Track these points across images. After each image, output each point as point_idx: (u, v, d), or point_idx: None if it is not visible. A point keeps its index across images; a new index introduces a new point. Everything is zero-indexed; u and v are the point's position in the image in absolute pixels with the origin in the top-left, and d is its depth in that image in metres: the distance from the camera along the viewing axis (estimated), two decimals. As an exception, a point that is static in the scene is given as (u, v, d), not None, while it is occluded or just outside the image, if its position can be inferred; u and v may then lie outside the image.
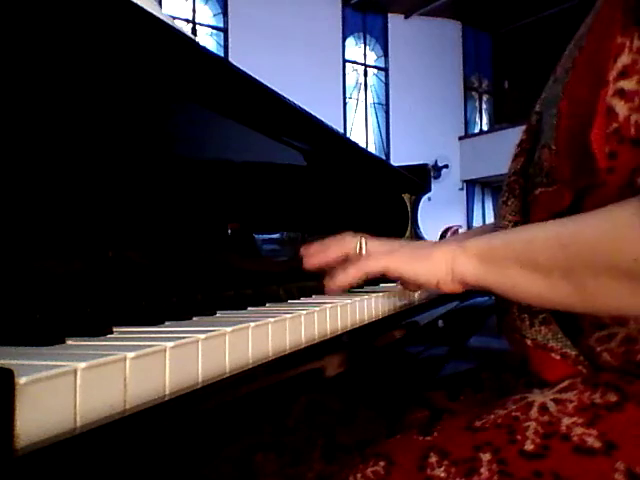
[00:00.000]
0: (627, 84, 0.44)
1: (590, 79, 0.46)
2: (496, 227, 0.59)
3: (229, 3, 7.07)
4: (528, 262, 0.47)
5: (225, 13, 7.07)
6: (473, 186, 9.46)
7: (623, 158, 0.44)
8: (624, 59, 0.44)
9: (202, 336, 0.35)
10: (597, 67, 0.46)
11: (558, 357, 0.49)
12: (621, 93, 0.44)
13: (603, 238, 0.42)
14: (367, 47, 8.66)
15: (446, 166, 8.69)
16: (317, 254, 0.70)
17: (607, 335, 0.46)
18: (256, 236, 0.84)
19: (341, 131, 6.85)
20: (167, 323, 0.43)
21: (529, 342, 0.51)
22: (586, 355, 0.48)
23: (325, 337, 0.52)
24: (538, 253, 0.47)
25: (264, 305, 0.59)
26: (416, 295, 0.82)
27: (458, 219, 8.37)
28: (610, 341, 0.46)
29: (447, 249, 0.55)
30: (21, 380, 0.22)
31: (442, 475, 0.42)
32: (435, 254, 0.56)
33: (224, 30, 7.07)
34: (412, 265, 0.58)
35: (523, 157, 0.57)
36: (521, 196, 0.56)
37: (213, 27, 7.07)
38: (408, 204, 1.56)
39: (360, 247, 0.66)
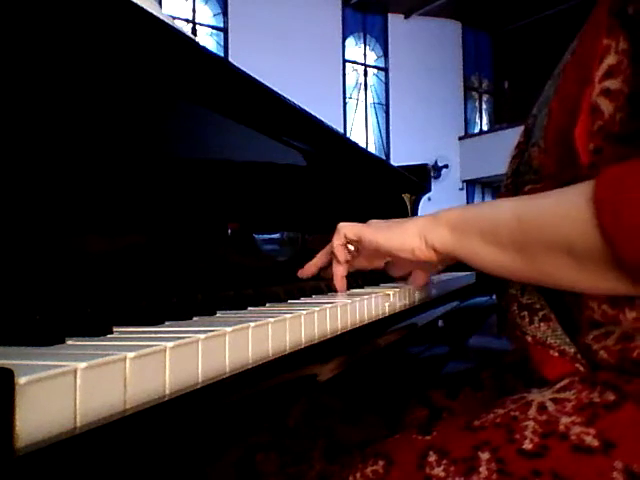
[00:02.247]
0: (613, 84, 0.45)
1: (578, 79, 0.48)
2: None
3: (229, 3, 7.07)
4: (489, 234, 0.50)
5: (225, 13, 7.08)
6: (473, 186, 9.46)
7: (607, 154, 0.45)
8: (610, 60, 0.45)
9: (202, 336, 0.35)
10: (584, 67, 0.47)
11: (556, 354, 0.49)
12: (607, 92, 0.45)
13: (551, 214, 0.45)
14: (367, 47, 8.67)
15: (446, 166, 8.69)
16: (308, 265, 0.75)
17: (604, 333, 0.47)
18: (256, 236, 0.84)
19: (341, 131, 6.85)
20: (167, 323, 0.43)
21: (529, 339, 0.52)
22: (584, 353, 0.49)
23: (325, 337, 0.52)
24: (498, 226, 0.49)
25: (264, 305, 0.59)
26: (416, 295, 0.82)
27: (458, 219, 8.34)
28: (606, 339, 0.46)
29: (422, 219, 0.59)
30: (21, 380, 0.22)
31: (441, 474, 0.42)
32: (409, 224, 0.60)
33: (224, 30, 7.08)
34: (387, 234, 0.61)
35: (519, 159, 0.59)
36: (514, 194, 0.57)
37: (213, 27, 7.08)
38: (408, 204, 1.56)
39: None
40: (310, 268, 0.75)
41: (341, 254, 0.70)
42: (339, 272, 0.72)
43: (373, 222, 0.67)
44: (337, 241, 0.69)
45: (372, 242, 0.63)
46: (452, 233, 0.54)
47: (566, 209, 0.43)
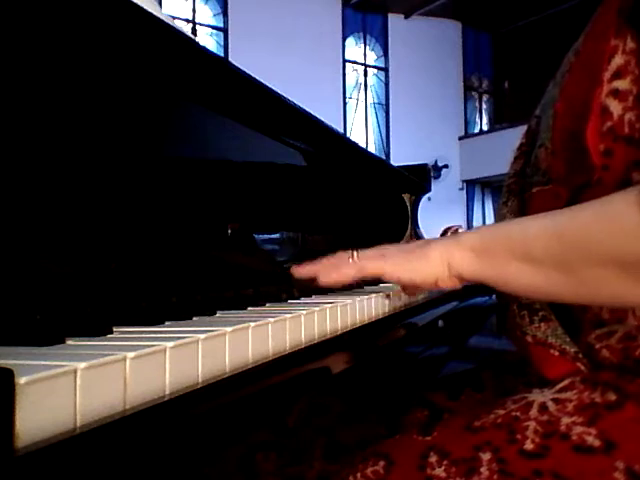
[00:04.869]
0: (621, 84, 0.45)
1: (585, 80, 0.47)
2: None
3: (229, 3, 7.07)
4: (522, 253, 0.47)
5: (225, 13, 7.07)
6: (473, 186, 9.46)
7: (618, 155, 0.45)
8: (618, 60, 0.45)
9: (202, 336, 0.35)
10: (592, 68, 0.47)
11: (557, 354, 0.49)
12: (615, 93, 0.45)
13: (598, 228, 0.42)
14: (367, 47, 8.66)
15: (446, 166, 8.68)
16: (307, 266, 0.70)
17: (607, 332, 0.47)
18: (256, 236, 0.84)
19: (341, 131, 6.85)
20: (167, 323, 0.43)
21: (529, 338, 0.52)
22: (585, 352, 0.48)
23: (325, 337, 0.52)
24: (531, 244, 0.47)
25: (264, 305, 0.59)
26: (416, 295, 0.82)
27: (458, 219, 8.37)
28: (609, 338, 0.46)
29: (442, 245, 0.55)
30: (21, 380, 0.22)
31: (442, 475, 0.42)
32: (430, 252, 0.56)
33: (224, 30, 7.07)
34: (408, 267, 0.58)
35: (522, 160, 0.58)
36: (520, 196, 0.57)
37: (213, 27, 7.07)
38: (408, 204, 1.56)
39: (352, 255, 0.65)
40: (307, 272, 0.72)
41: (344, 280, 0.64)
42: (337, 280, 0.65)
43: (389, 251, 0.62)
44: (352, 273, 0.62)
45: (393, 278, 0.59)
46: (478, 256, 0.51)
47: (613, 220, 0.41)
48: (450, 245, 0.54)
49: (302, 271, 0.70)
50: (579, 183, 0.47)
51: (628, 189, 0.40)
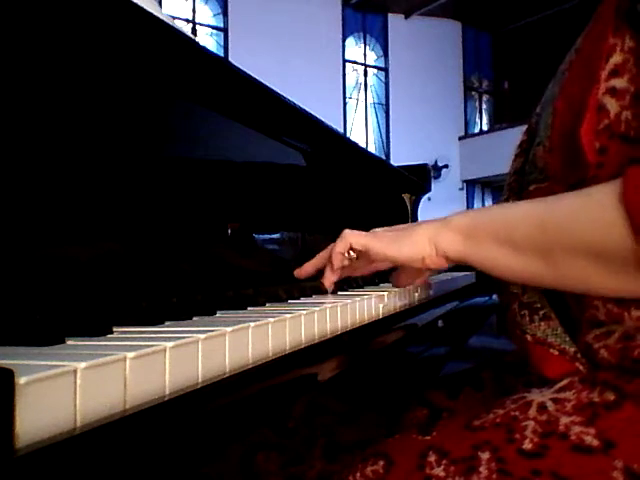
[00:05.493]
0: (618, 82, 0.45)
1: (584, 78, 0.47)
2: None
3: (229, 3, 7.07)
4: (504, 238, 0.49)
5: (225, 13, 7.08)
6: (473, 186, 9.46)
7: (613, 153, 0.45)
8: (616, 58, 0.45)
9: (202, 336, 0.35)
10: (591, 66, 0.47)
11: (556, 353, 0.49)
12: (612, 91, 0.45)
13: (577, 217, 0.44)
14: (367, 47, 8.67)
15: (446, 166, 8.69)
16: (306, 265, 0.73)
17: (605, 332, 0.47)
18: (256, 236, 0.84)
19: (341, 131, 6.85)
20: (167, 323, 0.43)
21: (529, 337, 0.52)
22: (584, 352, 0.49)
23: (325, 337, 0.52)
24: (515, 230, 0.48)
25: (264, 305, 0.59)
26: (416, 295, 0.82)
27: (458, 219, 8.34)
28: (608, 338, 0.46)
29: (430, 225, 0.57)
30: (21, 380, 0.22)
31: (441, 474, 0.42)
32: (418, 231, 0.57)
33: (224, 30, 7.08)
34: (395, 245, 0.59)
35: (523, 157, 0.58)
36: (519, 194, 0.57)
37: (213, 27, 7.08)
38: (408, 204, 1.56)
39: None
40: (307, 268, 0.73)
41: (338, 261, 0.67)
42: (331, 278, 0.70)
43: (378, 231, 0.64)
44: (339, 248, 0.66)
45: (380, 254, 0.61)
46: (465, 239, 0.53)
47: (593, 211, 0.42)
48: (438, 226, 0.56)
49: (303, 271, 0.72)
50: (574, 181, 0.47)
51: (613, 182, 0.41)
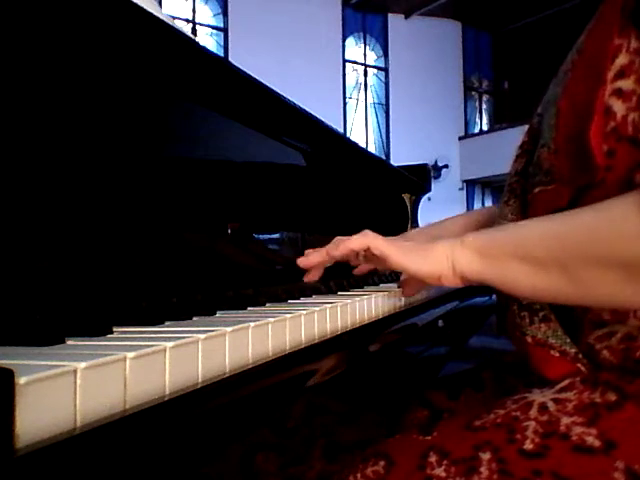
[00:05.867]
0: (625, 84, 0.45)
1: (589, 79, 0.47)
2: (496, 223, 0.60)
3: (229, 3, 7.07)
4: (525, 255, 0.48)
5: (225, 13, 7.07)
6: (473, 186, 9.46)
7: (621, 156, 0.44)
8: (622, 59, 0.45)
9: (202, 336, 0.35)
10: (595, 67, 0.47)
11: (557, 354, 0.49)
12: (619, 93, 0.45)
13: (599, 230, 0.43)
14: (367, 47, 8.66)
15: (446, 166, 8.69)
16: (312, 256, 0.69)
17: (607, 333, 0.46)
18: (256, 236, 0.84)
19: (341, 131, 6.85)
20: (167, 323, 0.43)
21: (529, 339, 0.51)
22: (585, 353, 0.48)
23: (325, 337, 0.52)
24: (535, 246, 0.47)
25: (264, 305, 0.59)
26: (416, 295, 0.82)
27: (458, 219, 8.34)
28: (610, 339, 0.46)
29: (447, 243, 0.56)
30: (21, 380, 0.22)
31: (442, 474, 0.42)
32: (436, 248, 0.56)
33: (224, 30, 7.07)
34: (415, 258, 0.58)
35: (524, 158, 0.58)
36: (522, 196, 0.57)
37: (213, 27, 7.07)
38: (408, 204, 1.56)
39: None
40: (313, 260, 0.69)
41: (343, 255, 0.65)
42: (322, 261, 0.67)
43: (397, 240, 0.63)
44: (354, 245, 0.63)
45: (399, 264, 0.59)
46: (481, 258, 0.52)
47: (614, 223, 0.42)
48: (455, 245, 0.54)
49: (309, 261, 0.69)
50: (582, 183, 0.47)
51: (628, 193, 0.41)
